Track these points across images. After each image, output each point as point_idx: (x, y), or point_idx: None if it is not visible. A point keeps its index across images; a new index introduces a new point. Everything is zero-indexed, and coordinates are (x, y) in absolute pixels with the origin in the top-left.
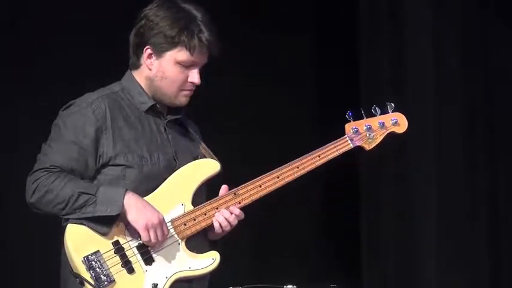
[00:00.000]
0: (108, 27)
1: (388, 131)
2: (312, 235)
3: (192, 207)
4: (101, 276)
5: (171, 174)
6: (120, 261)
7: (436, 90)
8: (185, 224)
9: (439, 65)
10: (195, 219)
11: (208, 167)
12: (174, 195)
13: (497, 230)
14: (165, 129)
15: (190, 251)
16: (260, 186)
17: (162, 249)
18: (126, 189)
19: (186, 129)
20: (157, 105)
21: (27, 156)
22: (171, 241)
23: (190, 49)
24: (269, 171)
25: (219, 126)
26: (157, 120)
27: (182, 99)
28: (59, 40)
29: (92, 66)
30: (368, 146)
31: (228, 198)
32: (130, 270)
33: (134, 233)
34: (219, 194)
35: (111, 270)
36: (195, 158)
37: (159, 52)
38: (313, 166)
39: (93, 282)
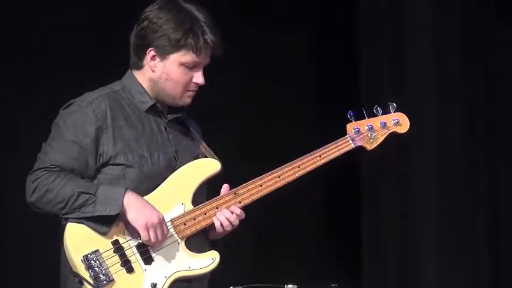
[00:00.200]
0: (108, 27)
1: (389, 131)
2: (313, 235)
3: (192, 207)
4: (100, 275)
5: (171, 173)
6: (119, 260)
7: (436, 90)
8: (185, 224)
9: (439, 64)
10: (195, 219)
11: (208, 166)
12: (174, 195)
13: (497, 230)
14: (165, 128)
15: (190, 250)
16: (261, 186)
17: (161, 248)
18: (126, 189)
19: (187, 129)
20: (158, 105)
21: (27, 156)
22: (170, 241)
23: (196, 51)
24: (268, 170)
25: (217, 125)
26: (157, 120)
27: (186, 99)
28: (59, 40)
29: (92, 66)
30: (369, 146)
31: (228, 197)
32: (130, 269)
33: (134, 233)
34: (221, 194)
35: (110, 269)
36: (196, 158)
37: (163, 54)
38: (314, 166)
39: (92, 282)
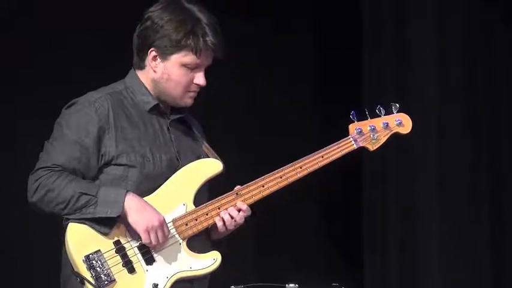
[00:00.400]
0: (108, 27)
1: (392, 132)
2: (314, 234)
3: (193, 207)
4: (101, 275)
5: (173, 173)
6: (120, 260)
7: (439, 91)
8: (186, 224)
9: (441, 65)
10: (196, 219)
11: (210, 166)
12: (176, 195)
13: (500, 230)
14: (168, 128)
15: (191, 251)
16: (263, 186)
17: (163, 249)
18: (127, 191)
19: (189, 128)
20: (161, 105)
21: (27, 156)
22: (172, 241)
23: (196, 52)
24: (269, 170)
25: (218, 126)
26: (160, 120)
27: (187, 100)
28: (59, 40)
29: (91, 66)
30: (372, 147)
31: (230, 198)
32: (131, 270)
33: (135, 233)
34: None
35: (112, 269)
36: (198, 157)
37: (164, 55)
38: (316, 166)
39: (93, 282)
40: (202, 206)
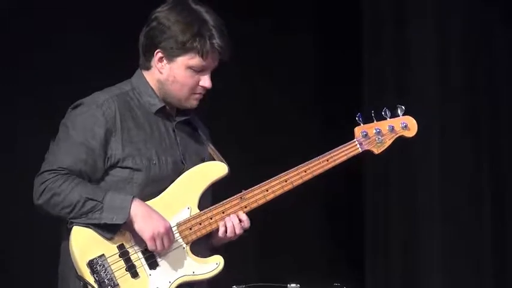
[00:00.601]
0: (108, 27)
1: (397, 135)
2: (317, 235)
3: (198, 211)
4: (105, 280)
5: (178, 176)
6: (124, 265)
7: (439, 91)
8: (191, 229)
9: (441, 65)
10: (200, 224)
11: (215, 169)
12: (181, 198)
13: (502, 230)
14: (173, 131)
15: (194, 255)
16: (267, 190)
17: (167, 253)
18: (133, 197)
19: (194, 130)
20: (167, 107)
21: (27, 156)
22: (176, 245)
23: (202, 55)
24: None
25: (218, 126)
26: (166, 122)
27: (193, 102)
28: (59, 40)
29: (91, 66)
30: (377, 150)
31: (234, 202)
32: (135, 274)
33: (140, 238)
34: None
35: (116, 274)
36: (203, 160)
37: (170, 57)
38: (321, 170)
39: (96, 286)
40: (206, 210)
